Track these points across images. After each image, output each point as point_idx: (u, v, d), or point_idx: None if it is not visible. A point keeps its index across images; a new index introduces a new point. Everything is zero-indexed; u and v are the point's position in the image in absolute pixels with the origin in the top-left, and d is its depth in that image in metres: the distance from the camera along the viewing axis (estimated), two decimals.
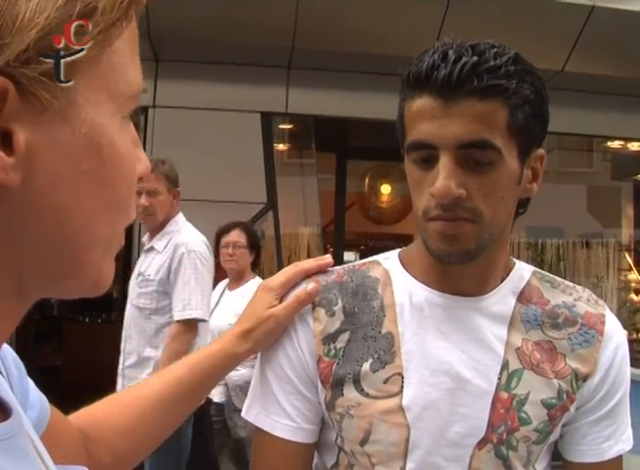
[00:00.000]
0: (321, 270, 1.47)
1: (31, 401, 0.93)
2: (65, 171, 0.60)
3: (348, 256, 9.07)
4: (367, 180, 10.68)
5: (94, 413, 1.27)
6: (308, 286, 1.42)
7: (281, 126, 7.98)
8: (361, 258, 1.54)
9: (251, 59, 6.92)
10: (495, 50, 1.25)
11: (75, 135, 0.60)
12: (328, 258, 1.50)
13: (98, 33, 0.59)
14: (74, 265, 0.64)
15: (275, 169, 7.25)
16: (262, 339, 1.40)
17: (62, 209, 0.61)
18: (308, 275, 1.45)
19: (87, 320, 10.58)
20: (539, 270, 1.50)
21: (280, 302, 1.41)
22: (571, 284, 1.50)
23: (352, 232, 10.01)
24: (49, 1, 0.55)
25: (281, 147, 8.17)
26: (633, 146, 8.70)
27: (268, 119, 7.24)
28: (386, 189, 10.65)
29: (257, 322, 1.39)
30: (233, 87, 6.94)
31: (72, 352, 9.86)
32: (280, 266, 6.98)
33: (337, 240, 9.01)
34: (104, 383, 7.00)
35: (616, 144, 8.86)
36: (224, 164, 6.76)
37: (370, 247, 10.07)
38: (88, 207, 0.62)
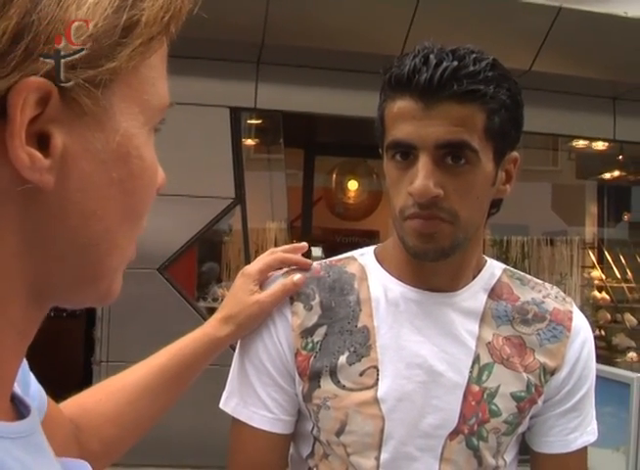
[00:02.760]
0: (297, 253, 1.50)
1: (32, 393, 0.94)
2: (95, 178, 0.61)
3: (315, 251, 9.07)
4: (334, 176, 10.66)
5: (82, 402, 1.28)
6: (295, 277, 1.45)
7: (249, 121, 7.95)
8: (327, 253, 1.57)
9: (221, 54, 6.89)
10: (474, 55, 1.29)
11: (109, 144, 0.61)
12: (303, 243, 1.54)
13: (139, 45, 0.61)
14: (94, 271, 0.66)
15: (243, 164, 7.22)
16: (245, 323, 1.42)
17: (88, 214, 0.62)
18: (285, 262, 1.49)
19: (52, 314, 10.41)
20: (510, 268, 1.54)
21: (260, 288, 1.45)
22: (540, 281, 1.54)
23: (319, 228, 10.00)
24: (97, 11, 0.57)
25: (249, 142, 8.14)
26: (598, 146, 8.76)
27: (237, 114, 7.21)
28: (352, 185, 10.64)
29: (241, 307, 1.42)
30: (202, 82, 6.91)
31: (37, 345, 9.74)
32: (247, 261, 6.97)
33: (303, 235, 8.99)
34: (70, 376, 6.99)
35: (580, 143, 8.91)
36: (192, 158, 6.74)
37: (336, 242, 10.04)
38: (112, 214, 0.64)
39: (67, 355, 8.82)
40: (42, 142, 0.58)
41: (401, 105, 1.30)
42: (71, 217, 0.61)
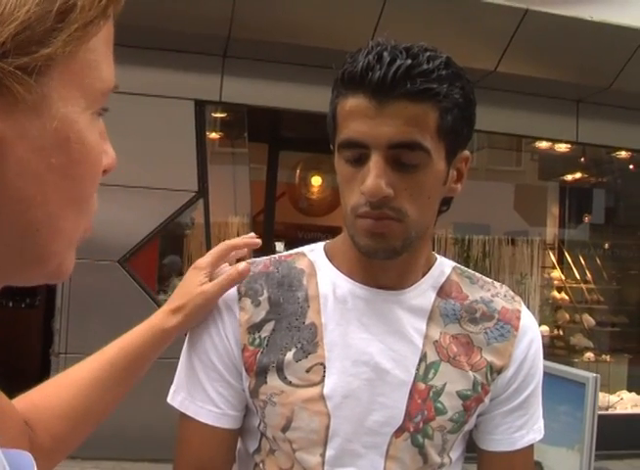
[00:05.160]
0: (248, 247, 1.50)
1: None
2: (34, 164, 0.60)
3: (278, 247, 9.08)
4: (298, 171, 10.67)
5: (31, 398, 1.27)
6: (240, 266, 1.44)
7: (214, 115, 7.93)
8: (290, 249, 1.57)
9: (187, 46, 6.86)
10: (428, 53, 1.28)
11: (46, 129, 0.60)
12: (255, 236, 1.54)
13: (75, 30, 0.59)
14: (37, 255, 0.65)
15: (207, 158, 7.20)
16: (192, 314, 1.42)
17: (28, 200, 0.61)
18: (235, 248, 1.49)
19: (11, 305, 10.34)
20: (460, 266, 1.55)
21: (210, 280, 1.44)
22: (489, 280, 1.55)
23: (282, 223, 10.01)
24: None
25: (213, 135, 8.11)
26: (560, 147, 8.84)
27: (202, 107, 7.19)
28: (316, 181, 10.65)
29: (188, 298, 1.41)
30: (167, 74, 6.88)
31: None
32: None
33: (266, 230, 9.00)
34: (27, 367, 6.93)
35: (543, 145, 9.00)
36: (156, 150, 6.71)
37: (299, 238, 10.06)
38: (53, 199, 0.63)
39: (25, 346, 8.74)
40: None
41: (354, 103, 1.29)
42: (10, 203, 0.60)
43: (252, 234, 1.56)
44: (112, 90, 0.67)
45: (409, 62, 1.25)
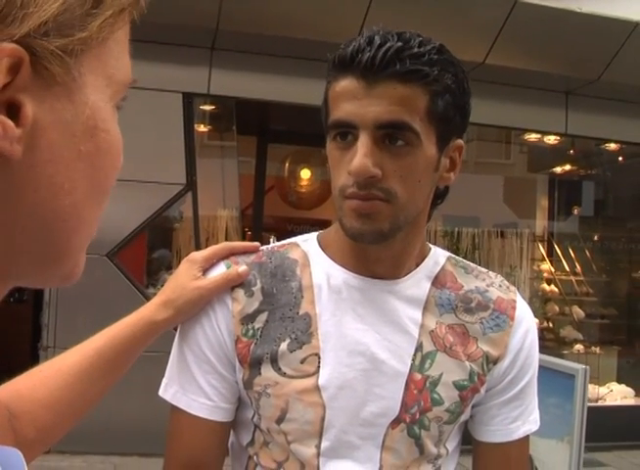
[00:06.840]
0: (246, 251, 1.48)
1: None
2: (64, 150, 0.60)
3: (270, 240, 9.08)
4: (287, 165, 10.66)
5: (16, 388, 1.25)
6: (240, 268, 1.43)
7: (202, 107, 7.92)
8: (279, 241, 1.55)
9: (175, 38, 6.84)
10: (420, 39, 1.28)
11: (78, 116, 0.60)
12: (256, 243, 1.52)
13: (110, 16, 0.60)
14: (60, 248, 0.64)
15: (195, 151, 7.19)
16: (184, 308, 1.40)
17: (56, 187, 0.60)
18: (233, 251, 1.47)
19: None
20: (454, 256, 1.54)
21: (203, 274, 1.43)
22: (484, 270, 1.54)
23: (271, 216, 10.00)
24: None
25: (202, 128, 8.11)
26: (549, 139, 8.87)
27: (190, 100, 7.17)
28: (305, 174, 10.64)
29: (181, 292, 1.40)
30: (155, 66, 6.84)
31: None
32: (198, 248, 6.95)
33: (255, 223, 9.00)
34: (16, 361, 6.90)
35: (533, 137, 9.03)
36: (144, 143, 6.67)
37: (288, 231, 10.05)
38: (80, 189, 0.62)
39: (13, 341, 8.72)
40: (10, 112, 0.56)
41: (343, 84, 1.28)
42: (39, 190, 0.59)
43: (256, 243, 1.54)
44: (131, 84, 0.68)
45: (399, 44, 1.26)
